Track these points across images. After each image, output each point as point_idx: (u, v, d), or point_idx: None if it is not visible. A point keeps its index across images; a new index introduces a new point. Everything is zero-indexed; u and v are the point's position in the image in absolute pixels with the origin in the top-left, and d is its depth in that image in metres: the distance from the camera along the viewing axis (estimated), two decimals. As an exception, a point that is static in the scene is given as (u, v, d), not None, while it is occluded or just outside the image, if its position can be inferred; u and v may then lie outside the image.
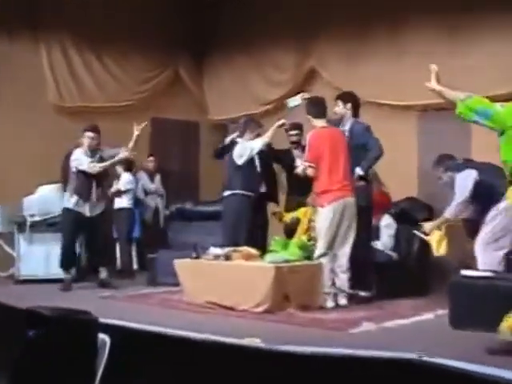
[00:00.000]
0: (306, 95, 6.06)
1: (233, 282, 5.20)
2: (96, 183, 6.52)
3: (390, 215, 6.31)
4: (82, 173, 6.47)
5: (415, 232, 5.66)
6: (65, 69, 8.28)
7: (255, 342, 2.56)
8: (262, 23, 8.60)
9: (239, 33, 8.82)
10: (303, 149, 5.88)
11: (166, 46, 8.98)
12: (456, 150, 5.83)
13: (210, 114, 9.41)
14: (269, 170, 6.76)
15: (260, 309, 4.98)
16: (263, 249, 5.72)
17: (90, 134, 6.53)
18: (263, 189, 6.61)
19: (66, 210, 6.53)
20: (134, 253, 7.89)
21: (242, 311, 5.03)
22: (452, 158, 5.56)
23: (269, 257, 5.32)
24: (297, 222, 6.54)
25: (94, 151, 6.55)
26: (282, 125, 6.23)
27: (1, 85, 7.74)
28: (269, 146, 6.47)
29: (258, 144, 6.16)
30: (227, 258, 5.40)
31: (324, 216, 5.32)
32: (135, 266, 7.86)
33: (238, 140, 6.23)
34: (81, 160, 6.49)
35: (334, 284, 5.34)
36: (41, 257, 6.99)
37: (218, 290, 5.27)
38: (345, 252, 5.34)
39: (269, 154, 6.61)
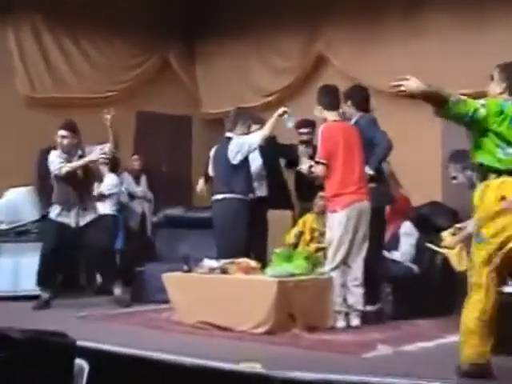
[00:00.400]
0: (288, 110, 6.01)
1: (230, 299, 5.20)
2: (80, 188, 6.51)
3: (410, 222, 6.31)
4: (61, 178, 6.47)
5: (428, 245, 5.65)
6: (37, 55, 8.30)
7: (255, 367, 2.57)
8: (263, 4, 8.63)
9: (237, 14, 8.85)
10: (315, 149, 5.85)
11: (154, 29, 8.99)
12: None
13: (204, 106, 9.43)
14: (273, 169, 6.75)
15: (261, 329, 4.97)
16: (262, 261, 5.71)
17: (61, 132, 6.49)
18: (263, 192, 6.60)
19: (48, 221, 6.55)
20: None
21: (241, 332, 5.02)
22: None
23: (271, 270, 5.32)
24: (300, 235, 6.59)
25: (70, 151, 6.53)
26: (284, 113, 6.09)
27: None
28: (273, 140, 6.46)
29: (255, 138, 6.10)
30: (223, 271, 5.40)
31: (337, 223, 5.31)
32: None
33: (232, 135, 6.16)
34: (53, 163, 6.50)
35: (345, 301, 5.34)
36: (8, 270, 6.97)
37: (212, 307, 5.27)
38: (359, 264, 5.35)
39: (273, 151, 6.59)
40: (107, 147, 6.52)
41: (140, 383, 2.00)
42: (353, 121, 5.63)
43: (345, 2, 7.98)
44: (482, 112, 3.59)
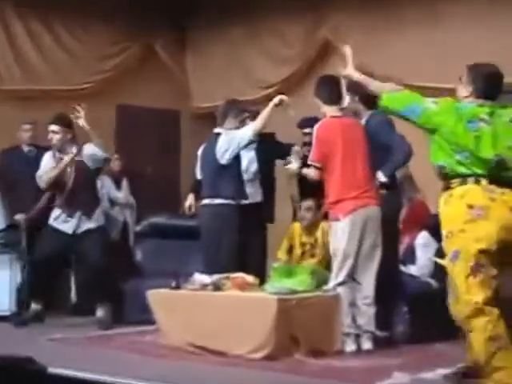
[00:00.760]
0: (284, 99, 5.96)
1: (224, 320, 5.18)
2: (78, 190, 6.58)
3: (428, 231, 6.31)
4: (59, 181, 6.59)
5: (437, 259, 5.65)
6: (4, 42, 8.29)
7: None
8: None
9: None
10: None
11: (137, 12, 9.00)
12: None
13: (194, 100, 9.46)
14: (268, 172, 6.72)
15: (259, 354, 4.96)
16: (261, 277, 5.71)
17: (52, 127, 6.57)
18: (259, 198, 6.57)
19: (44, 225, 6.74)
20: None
21: (236, 357, 5.01)
22: None
23: (270, 286, 5.31)
24: (291, 250, 6.60)
25: (64, 149, 6.60)
26: (281, 103, 6.00)
27: None
28: (270, 136, 6.45)
29: (246, 133, 5.98)
30: (216, 287, 5.39)
31: (340, 232, 5.31)
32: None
33: (221, 131, 6.09)
34: (40, 169, 6.63)
35: (355, 322, 5.33)
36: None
37: (204, 329, 5.25)
38: (370, 279, 5.35)
39: (270, 150, 6.58)
40: (75, 148, 6.56)
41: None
42: (362, 121, 5.61)
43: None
44: (431, 106, 3.84)
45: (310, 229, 6.55)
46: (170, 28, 9.41)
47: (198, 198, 6.44)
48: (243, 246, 6.40)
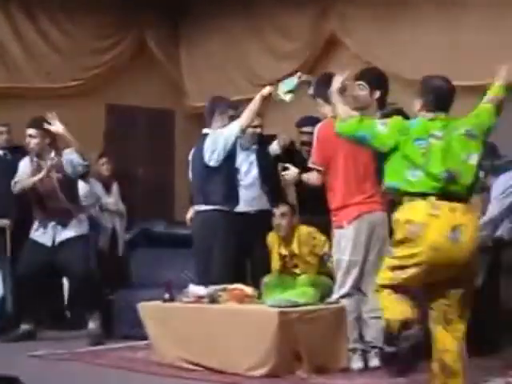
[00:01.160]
0: (304, 76, 5.95)
1: (221, 335, 5.19)
2: (52, 199, 6.61)
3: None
4: (32, 190, 6.63)
5: None
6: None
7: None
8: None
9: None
10: None
11: (128, 5, 9.03)
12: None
13: (189, 99, 9.47)
14: (272, 174, 6.70)
15: (259, 372, 4.96)
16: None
17: (29, 131, 6.61)
18: (265, 205, 6.56)
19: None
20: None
21: (234, 375, 5.02)
22: (495, 151, 5.53)
23: (270, 298, 5.31)
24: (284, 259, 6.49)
25: (42, 154, 6.63)
26: (270, 94, 5.98)
27: None
28: (271, 138, 6.47)
29: (233, 130, 5.91)
30: (212, 299, 5.40)
31: (344, 240, 5.31)
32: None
33: (208, 131, 6.05)
34: (17, 175, 6.68)
35: (361, 337, 5.33)
36: None
37: (199, 345, 5.26)
38: (377, 290, 5.34)
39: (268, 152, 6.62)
40: (54, 154, 6.58)
41: None
42: None
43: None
44: (380, 130, 4.09)
45: (288, 238, 6.24)
46: (163, 21, 9.43)
47: None
48: (243, 256, 6.40)
